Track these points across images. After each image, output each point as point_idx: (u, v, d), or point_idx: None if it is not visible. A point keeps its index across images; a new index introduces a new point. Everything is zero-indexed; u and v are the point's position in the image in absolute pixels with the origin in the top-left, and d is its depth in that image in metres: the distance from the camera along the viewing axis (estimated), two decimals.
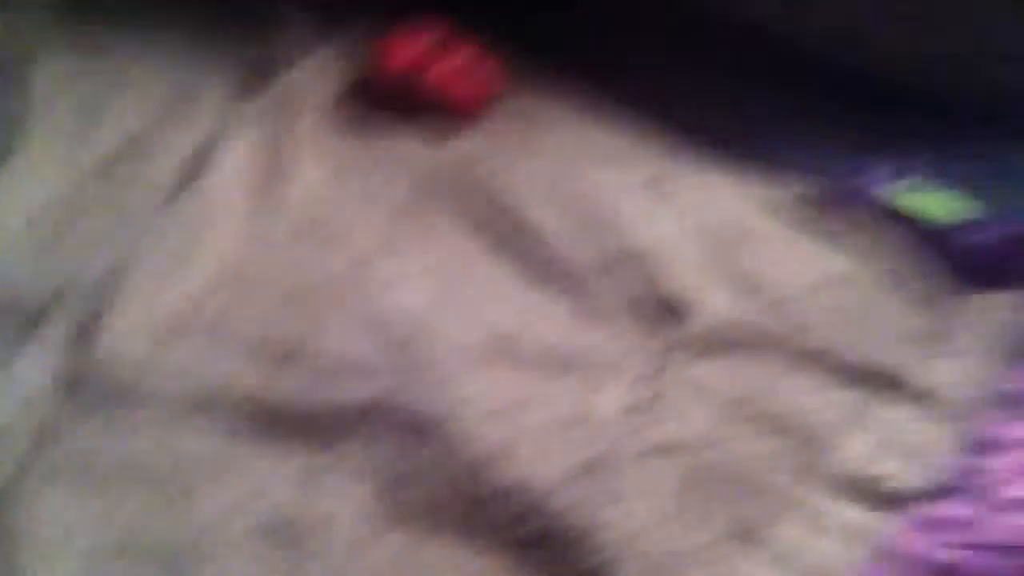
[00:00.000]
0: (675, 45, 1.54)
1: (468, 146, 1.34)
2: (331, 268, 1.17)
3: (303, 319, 1.09)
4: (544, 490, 0.91)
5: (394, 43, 1.37)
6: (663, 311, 1.16)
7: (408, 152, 1.33)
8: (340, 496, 0.93)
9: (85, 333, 1.05)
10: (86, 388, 1.00)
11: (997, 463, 0.72)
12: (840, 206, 1.30)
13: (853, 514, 0.92)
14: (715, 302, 1.16)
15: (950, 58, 1.42)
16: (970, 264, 1.15)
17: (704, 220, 1.29)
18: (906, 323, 1.15)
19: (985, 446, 0.78)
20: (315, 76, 1.40)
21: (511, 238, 1.24)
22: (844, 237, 1.27)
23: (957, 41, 1.43)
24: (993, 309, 1.11)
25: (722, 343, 1.13)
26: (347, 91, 1.39)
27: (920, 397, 1.05)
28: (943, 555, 0.67)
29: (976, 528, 0.67)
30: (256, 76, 1.40)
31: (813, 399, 1.08)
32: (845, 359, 1.11)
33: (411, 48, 1.37)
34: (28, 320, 1.05)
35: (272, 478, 0.94)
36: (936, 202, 1.26)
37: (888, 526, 0.86)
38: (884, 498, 0.92)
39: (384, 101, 1.37)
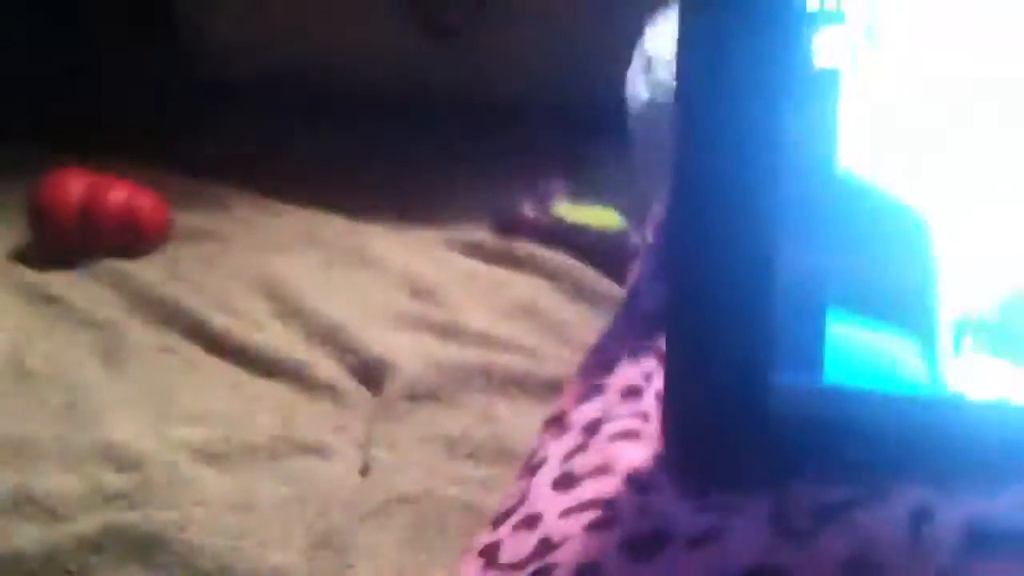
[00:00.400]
0: (322, 128, 1.63)
1: (156, 267, 1.38)
2: (45, 411, 1.18)
3: (24, 466, 1.11)
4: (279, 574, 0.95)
5: (55, 191, 1.40)
6: (370, 375, 1.22)
7: (99, 285, 1.35)
8: None
9: None
10: None
11: (549, 443, 0.77)
12: (516, 234, 1.39)
13: None
14: (415, 355, 1.22)
15: (579, 80, 1.54)
16: (625, 266, 1.23)
17: (395, 279, 1.35)
18: (588, 329, 1.24)
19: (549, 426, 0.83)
20: None
21: (220, 339, 1.27)
22: (526, 262, 1.36)
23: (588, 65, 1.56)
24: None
25: (430, 391, 1.18)
26: (17, 247, 1.42)
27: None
28: (489, 538, 0.73)
29: (518, 506, 0.72)
30: None
31: (522, 420, 1.15)
32: (542, 376, 1.19)
33: (74, 191, 1.40)
34: None
35: None
36: (592, 215, 1.36)
37: None
38: None
39: (58, 245, 1.40)
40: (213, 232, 1.45)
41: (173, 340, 1.29)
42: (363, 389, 1.21)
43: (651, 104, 1.02)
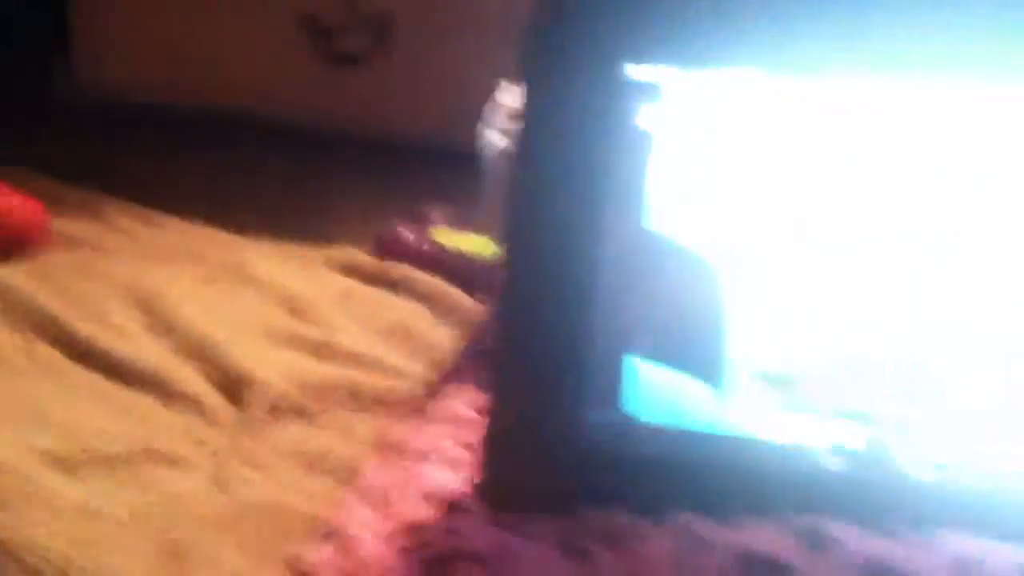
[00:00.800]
0: (209, 146, 1.62)
1: (27, 272, 1.35)
2: None
3: None
4: None
5: None
6: (235, 390, 1.20)
7: None
8: None
9: None
10: None
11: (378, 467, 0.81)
12: (394, 256, 1.39)
13: None
14: (283, 371, 1.21)
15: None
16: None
17: (271, 296, 1.34)
18: (458, 352, 1.24)
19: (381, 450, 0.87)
20: None
21: (85, 347, 1.25)
22: (402, 284, 1.36)
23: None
24: None
25: (294, 407, 1.18)
26: None
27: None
28: (305, 554, 0.77)
29: (338, 524, 0.76)
30: None
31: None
32: (408, 397, 1.18)
33: None
34: None
35: None
36: (468, 241, 1.37)
37: None
38: None
39: None
40: (90, 241, 1.44)
41: (37, 346, 1.27)
42: (227, 403, 1.20)
43: (505, 152, 1.07)
